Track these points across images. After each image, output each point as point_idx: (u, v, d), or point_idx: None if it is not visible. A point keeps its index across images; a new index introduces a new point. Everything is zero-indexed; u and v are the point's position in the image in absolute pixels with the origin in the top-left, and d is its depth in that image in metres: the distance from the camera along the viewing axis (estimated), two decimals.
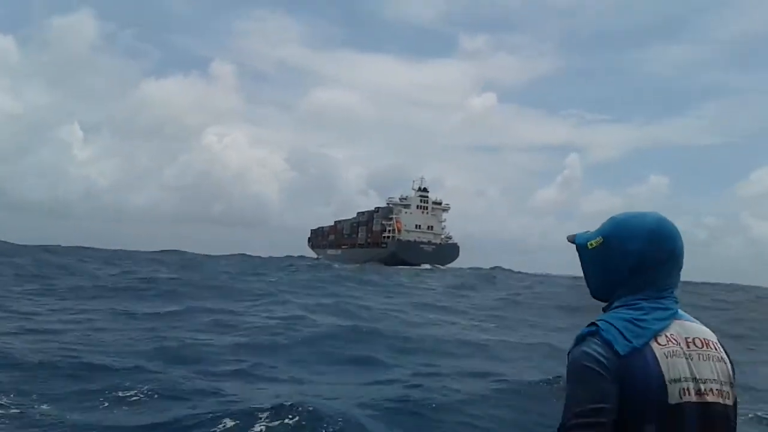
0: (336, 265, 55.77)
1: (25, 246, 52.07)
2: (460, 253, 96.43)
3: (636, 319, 1.48)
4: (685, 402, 1.42)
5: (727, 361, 1.55)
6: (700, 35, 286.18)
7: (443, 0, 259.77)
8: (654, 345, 1.45)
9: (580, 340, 1.49)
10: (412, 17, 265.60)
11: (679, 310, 1.57)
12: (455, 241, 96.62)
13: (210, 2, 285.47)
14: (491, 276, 50.98)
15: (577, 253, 1.68)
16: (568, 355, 1.50)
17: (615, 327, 1.47)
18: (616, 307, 1.56)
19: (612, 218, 1.64)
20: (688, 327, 1.54)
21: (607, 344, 1.44)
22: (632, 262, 1.55)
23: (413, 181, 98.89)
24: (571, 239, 1.70)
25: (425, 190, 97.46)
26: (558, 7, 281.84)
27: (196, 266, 39.53)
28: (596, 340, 1.46)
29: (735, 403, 1.53)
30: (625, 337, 1.44)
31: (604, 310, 1.61)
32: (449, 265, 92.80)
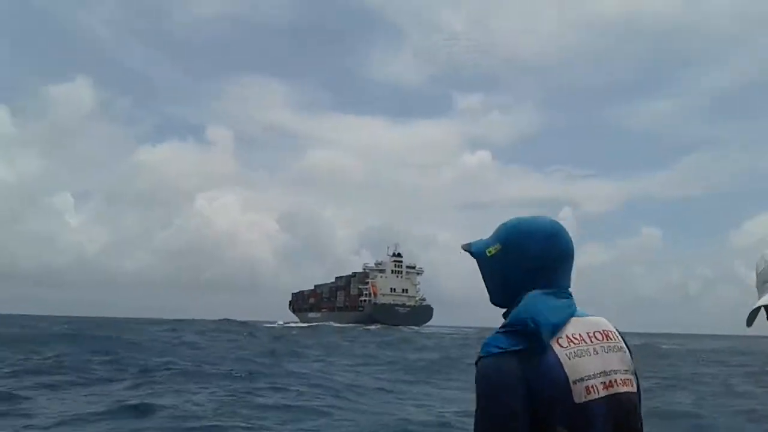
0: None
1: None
2: (435, 314, 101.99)
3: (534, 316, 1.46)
4: (591, 399, 1.43)
5: (627, 349, 1.57)
6: (676, 89, 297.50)
7: (425, 61, 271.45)
8: (556, 347, 1.44)
9: (491, 350, 1.42)
10: (397, 79, 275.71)
11: (577, 308, 1.56)
12: (428, 303, 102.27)
13: (201, 70, 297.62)
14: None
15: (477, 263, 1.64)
16: (477, 363, 1.44)
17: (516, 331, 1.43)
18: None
19: (504, 224, 1.63)
20: (588, 322, 1.54)
21: (515, 352, 1.40)
22: (530, 264, 1.55)
23: (387, 247, 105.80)
24: (467, 248, 1.65)
25: (399, 255, 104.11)
26: (537, 66, 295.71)
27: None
28: (506, 354, 1.40)
29: (639, 390, 1.56)
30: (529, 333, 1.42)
31: (504, 316, 1.56)
32: (426, 325, 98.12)
